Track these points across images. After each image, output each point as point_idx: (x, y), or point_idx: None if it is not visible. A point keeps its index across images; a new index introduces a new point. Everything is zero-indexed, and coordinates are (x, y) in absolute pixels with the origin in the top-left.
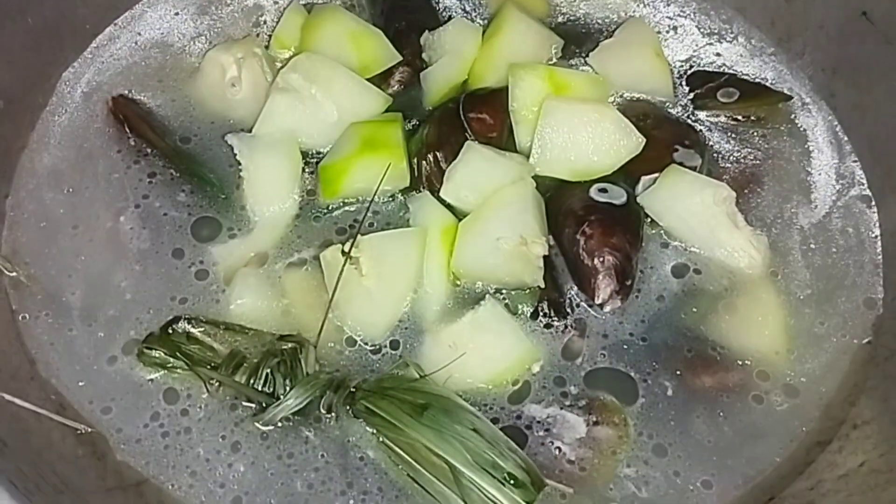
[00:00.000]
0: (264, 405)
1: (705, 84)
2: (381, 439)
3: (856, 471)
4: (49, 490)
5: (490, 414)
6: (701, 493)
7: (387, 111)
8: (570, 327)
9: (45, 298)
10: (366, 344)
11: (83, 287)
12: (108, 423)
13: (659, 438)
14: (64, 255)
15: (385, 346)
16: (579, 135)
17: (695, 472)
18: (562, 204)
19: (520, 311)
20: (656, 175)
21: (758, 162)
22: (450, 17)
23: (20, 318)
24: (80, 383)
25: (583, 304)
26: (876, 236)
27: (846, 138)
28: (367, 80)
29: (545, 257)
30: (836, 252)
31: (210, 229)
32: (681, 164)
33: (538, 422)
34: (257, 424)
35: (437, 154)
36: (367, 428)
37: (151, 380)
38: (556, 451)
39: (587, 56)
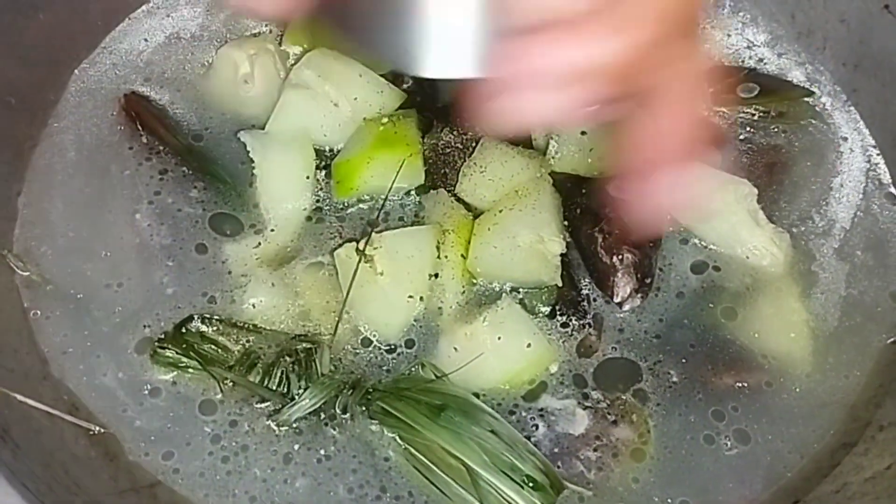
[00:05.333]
0: (279, 405)
1: (725, 79)
2: (398, 441)
3: (882, 473)
4: (62, 491)
5: (502, 411)
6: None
7: (401, 108)
8: (587, 325)
9: (57, 296)
10: (381, 344)
11: (97, 285)
12: (123, 423)
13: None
14: (78, 252)
15: (400, 346)
16: (596, 131)
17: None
18: (579, 201)
19: (537, 310)
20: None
21: (779, 157)
22: None
23: (32, 315)
24: (94, 383)
25: (599, 299)
26: None
27: (868, 132)
28: (381, 76)
29: (562, 255)
30: (859, 249)
31: (230, 225)
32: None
33: (542, 413)
34: (272, 424)
35: (453, 151)
36: (384, 429)
37: (174, 382)
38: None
39: None
